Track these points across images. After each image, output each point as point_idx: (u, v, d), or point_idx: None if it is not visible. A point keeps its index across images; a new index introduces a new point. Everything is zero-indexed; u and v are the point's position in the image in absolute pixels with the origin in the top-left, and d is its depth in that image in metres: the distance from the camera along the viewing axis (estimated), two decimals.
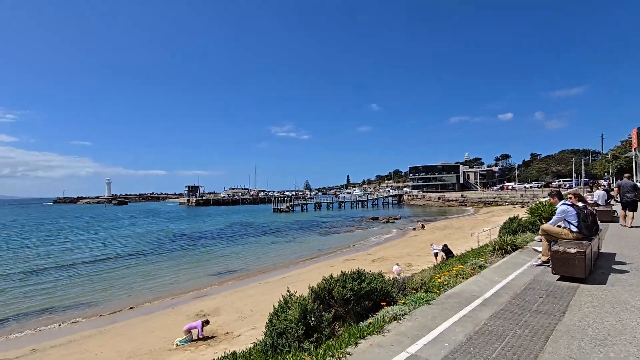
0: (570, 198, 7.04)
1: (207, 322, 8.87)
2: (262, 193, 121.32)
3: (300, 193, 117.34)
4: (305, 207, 71.49)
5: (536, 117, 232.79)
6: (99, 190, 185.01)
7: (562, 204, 6.26)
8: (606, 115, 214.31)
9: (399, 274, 12.56)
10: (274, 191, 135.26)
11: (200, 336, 8.52)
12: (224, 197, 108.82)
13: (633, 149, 20.61)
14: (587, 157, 70.73)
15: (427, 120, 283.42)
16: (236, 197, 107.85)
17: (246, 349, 4.82)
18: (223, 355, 4.82)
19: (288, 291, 4.71)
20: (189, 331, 8.56)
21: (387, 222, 41.26)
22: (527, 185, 70.27)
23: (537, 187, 66.02)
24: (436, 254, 16.41)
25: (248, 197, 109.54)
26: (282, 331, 4.29)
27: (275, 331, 4.35)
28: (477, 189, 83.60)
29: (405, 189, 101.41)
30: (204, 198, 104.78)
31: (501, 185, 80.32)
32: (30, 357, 8.81)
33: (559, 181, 67.68)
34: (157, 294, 15.42)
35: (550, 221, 6.24)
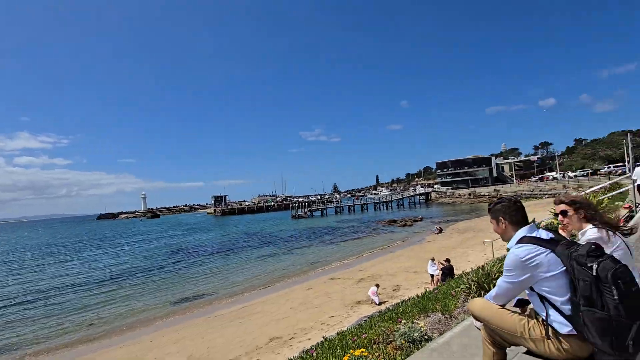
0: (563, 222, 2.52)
1: None
2: (288, 199, 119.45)
3: (327, 197, 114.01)
4: (325, 211, 67.86)
5: (581, 100, 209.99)
6: (139, 205, 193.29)
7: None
8: None
9: (378, 302, 11.39)
10: (298, 197, 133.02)
11: None
12: (249, 205, 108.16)
13: None
14: None
15: (460, 114, 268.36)
16: (261, 204, 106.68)
17: None
18: None
19: None
20: None
21: (405, 225, 36.49)
22: (571, 174, 61.45)
23: (583, 175, 57.71)
24: (432, 275, 12.48)
25: (273, 203, 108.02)
26: None
27: None
28: (513, 181, 75.22)
29: (436, 186, 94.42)
30: (229, 207, 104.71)
31: (540, 176, 71.41)
32: None
33: (609, 167, 58.36)
34: (87, 333, 12.81)
35: (495, 291, 1.99)
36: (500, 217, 1.96)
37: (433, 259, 13.56)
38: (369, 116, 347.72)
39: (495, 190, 63.80)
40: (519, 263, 1.74)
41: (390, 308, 7.19)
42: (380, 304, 11.06)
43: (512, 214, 1.92)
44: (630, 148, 12.94)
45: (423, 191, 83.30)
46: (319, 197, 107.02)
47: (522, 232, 1.87)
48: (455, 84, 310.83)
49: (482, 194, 63.47)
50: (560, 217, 2.50)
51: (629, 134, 16.35)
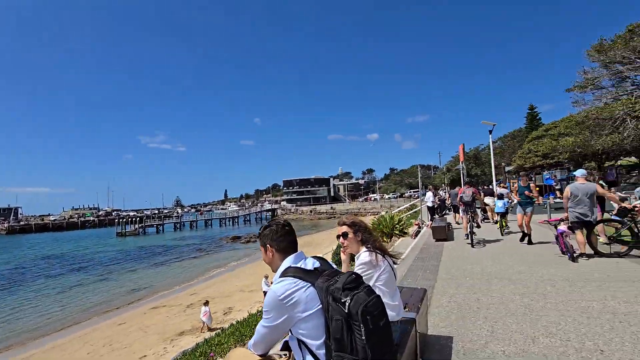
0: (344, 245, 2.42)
1: None
2: (114, 213, 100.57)
3: (166, 211, 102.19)
4: (161, 227, 60.37)
5: (395, 138, 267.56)
6: None
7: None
8: (443, 136, 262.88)
9: (211, 325, 10.47)
10: (129, 210, 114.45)
11: None
12: (56, 220, 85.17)
13: (460, 162, 22.56)
14: (430, 171, 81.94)
15: (307, 136, 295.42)
16: (74, 219, 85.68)
17: None
18: None
19: None
20: None
21: (249, 241, 36.06)
22: (386, 196, 76.58)
23: (394, 197, 72.51)
24: (265, 292, 12.16)
25: (92, 219, 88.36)
26: None
27: None
28: (345, 201, 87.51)
29: (282, 202, 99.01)
30: (23, 223, 79.47)
31: (366, 197, 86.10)
32: None
33: (411, 192, 75.67)
34: None
35: (254, 338, 1.60)
36: (268, 244, 1.60)
37: (266, 276, 13.42)
38: (221, 128, 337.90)
39: (332, 208, 72.17)
40: (276, 302, 1.39)
41: (207, 339, 6.37)
42: (212, 329, 10.01)
43: (279, 240, 1.59)
44: (420, 178, 16.61)
45: (270, 207, 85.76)
46: (156, 212, 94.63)
47: (287, 262, 1.54)
48: (303, 110, 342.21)
49: (321, 211, 70.46)
50: (341, 239, 2.43)
51: (419, 168, 21.21)
